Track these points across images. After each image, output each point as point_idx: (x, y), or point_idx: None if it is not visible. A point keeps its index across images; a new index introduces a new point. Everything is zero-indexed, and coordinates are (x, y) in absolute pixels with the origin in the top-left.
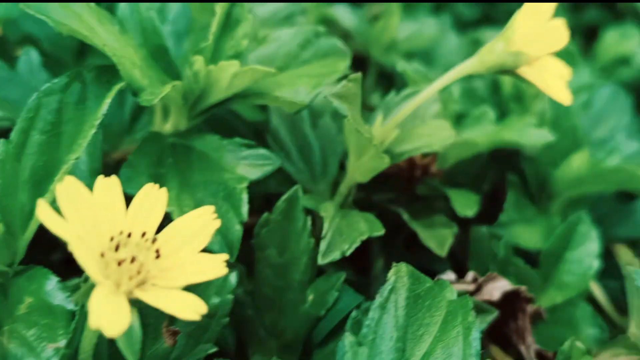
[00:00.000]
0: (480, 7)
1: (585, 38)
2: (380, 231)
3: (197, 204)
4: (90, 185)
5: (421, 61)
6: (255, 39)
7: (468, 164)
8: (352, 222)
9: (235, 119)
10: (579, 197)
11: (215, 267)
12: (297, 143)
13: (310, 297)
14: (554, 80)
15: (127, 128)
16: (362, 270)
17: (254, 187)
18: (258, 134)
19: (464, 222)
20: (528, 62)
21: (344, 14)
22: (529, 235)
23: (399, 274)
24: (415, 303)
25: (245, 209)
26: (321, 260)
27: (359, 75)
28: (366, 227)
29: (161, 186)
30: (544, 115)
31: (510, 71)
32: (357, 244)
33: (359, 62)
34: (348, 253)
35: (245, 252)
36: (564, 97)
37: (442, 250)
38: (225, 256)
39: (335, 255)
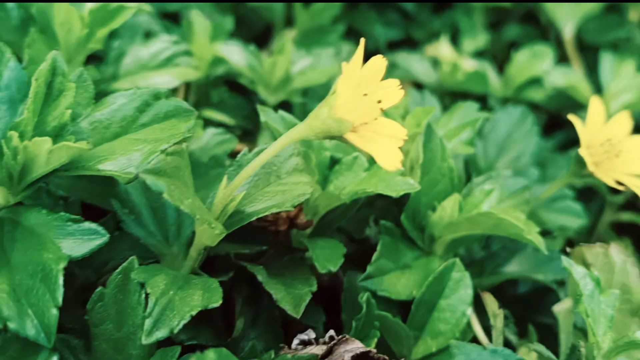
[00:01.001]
0: (403, 27)
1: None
2: (216, 302)
3: (15, 287)
4: None
5: (318, 99)
6: (90, 104)
7: (343, 211)
8: (188, 294)
9: (76, 186)
10: (463, 238)
11: None
12: (150, 204)
13: None
14: (382, 144)
15: None
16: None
17: (99, 255)
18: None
19: None
20: (353, 128)
21: (233, 53)
22: (404, 283)
23: None
24: None
25: (60, 292)
26: (144, 340)
27: (182, 146)
28: (201, 299)
29: None
30: (417, 159)
31: (338, 137)
32: (186, 320)
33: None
34: (177, 330)
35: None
36: (390, 163)
37: (296, 312)
38: None
39: (163, 334)
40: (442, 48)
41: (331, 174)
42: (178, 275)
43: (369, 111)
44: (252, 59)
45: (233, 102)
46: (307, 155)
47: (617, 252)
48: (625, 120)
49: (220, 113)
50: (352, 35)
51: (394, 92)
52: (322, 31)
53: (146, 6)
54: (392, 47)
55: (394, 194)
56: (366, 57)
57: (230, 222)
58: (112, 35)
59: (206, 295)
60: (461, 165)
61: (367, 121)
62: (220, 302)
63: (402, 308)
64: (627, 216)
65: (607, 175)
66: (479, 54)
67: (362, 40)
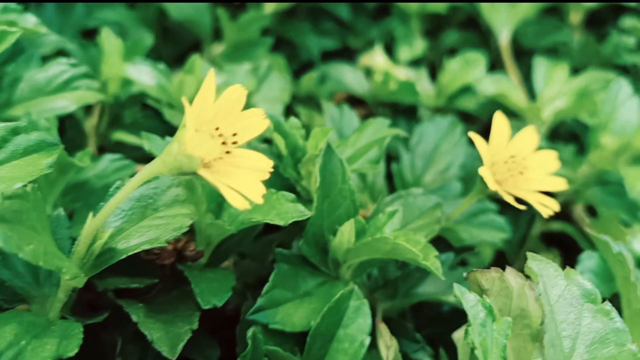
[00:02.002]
0: (339, 36)
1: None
2: (72, 351)
3: None
4: None
5: None
6: None
7: (241, 238)
8: (41, 343)
9: None
10: (371, 260)
11: None
12: None
13: None
14: (242, 179)
15: None
16: None
17: None
18: None
19: None
20: (206, 163)
21: (142, 72)
22: (302, 313)
23: None
24: None
25: None
26: None
27: (27, 188)
28: (55, 348)
29: None
30: (315, 182)
31: (191, 173)
32: None
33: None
34: None
35: None
36: (239, 202)
37: (173, 354)
38: None
39: None
40: (376, 57)
41: (225, 201)
42: (37, 322)
43: (217, 146)
44: (162, 79)
45: (147, 123)
46: (191, 185)
47: (513, 277)
48: (531, 136)
49: (131, 135)
50: (285, 47)
51: (256, 122)
52: (251, 44)
53: (42, 28)
54: (329, 56)
55: (283, 222)
56: (300, 69)
57: (98, 262)
58: (7, 59)
59: (63, 343)
60: (381, 181)
61: (221, 156)
62: (77, 350)
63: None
64: (557, 226)
65: (512, 192)
66: (415, 63)
67: (212, 71)
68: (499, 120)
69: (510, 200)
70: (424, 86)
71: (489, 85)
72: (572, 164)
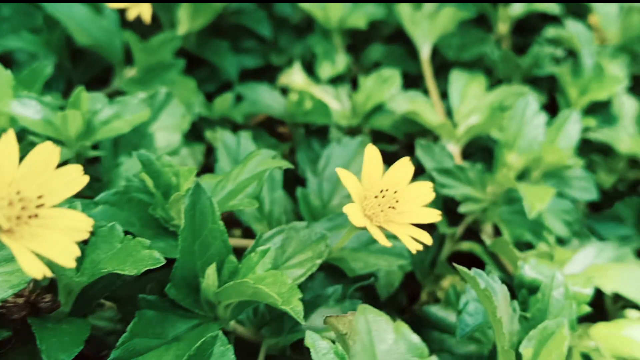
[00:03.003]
0: (261, 55)
1: None
2: None
3: None
4: None
5: (131, 148)
6: None
7: (106, 284)
8: None
9: None
10: (246, 300)
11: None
12: None
13: None
14: (51, 242)
15: None
16: None
17: None
18: None
19: None
20: (8, 228)
21: (26, 108)
22: None
23: None
24: None
25: None
26: None
27: None
28: None
29: None
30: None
31: None
32: None
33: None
34: None
35: None
36: (33, 269)
37: None
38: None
39: None
40: (294, 75)
41: (88, 247)
42: None
43: (14, 211)
44: (48, 113)
45: None
46: None
47: (363, 323)
48: (406, 168)
49: None
50: (204, 67)
51: (72, 180)
52: (163, 67)
53: None
54: (251, 76)
55: (136, 271)
56: (220, 89)
57: None
58: None
59: None
60: (279, 209)
61: (25, 220)
62: None
63: None
64: (466, 245)
65: (384, 226)
66: (337, 79)
67: (11, 131)
68: (370, 154)
69: (378, 236)
70: (344, 104)
71: (402, 102)
72: (481, 182)
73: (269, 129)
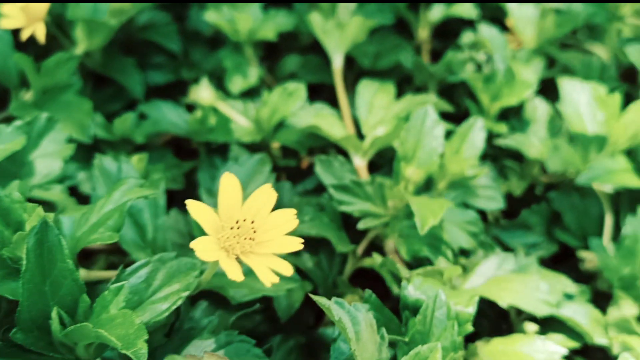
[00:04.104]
0: (173, 70)
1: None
2: None
3: None
4: None
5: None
6: None
7: None
8: None
9: None
10: None
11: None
12: None
13: None
14: None
15: None
16: None
17: None
18: None
19: None
20: None
21: None
22: None
23: None
24: None
25: None
26: None
27: None
28: None
29: None
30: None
31: None
32: None
33: None
34: None
35: None
36: None
37: None
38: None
39: None
40: (201, 91)
41: None
42: None
43: None
44: None
45: None
46: None
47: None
48: (267, 195)
49: None
50: (109, 86)
51: None
52: (59, 89)
53: None
54: (162, 92)
55: None
56: (125, 108)
57: None
58: None
59: None
60: (163, 236)
61: None
62: None
63: None
64: (368, 262)
65: (242, 258)
66: (250, 93)
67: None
68: (227, 182)
69: (230, 270)
70: (250, 119)
71: (304, 117)
72: (381, 197)
73: (176, 148)
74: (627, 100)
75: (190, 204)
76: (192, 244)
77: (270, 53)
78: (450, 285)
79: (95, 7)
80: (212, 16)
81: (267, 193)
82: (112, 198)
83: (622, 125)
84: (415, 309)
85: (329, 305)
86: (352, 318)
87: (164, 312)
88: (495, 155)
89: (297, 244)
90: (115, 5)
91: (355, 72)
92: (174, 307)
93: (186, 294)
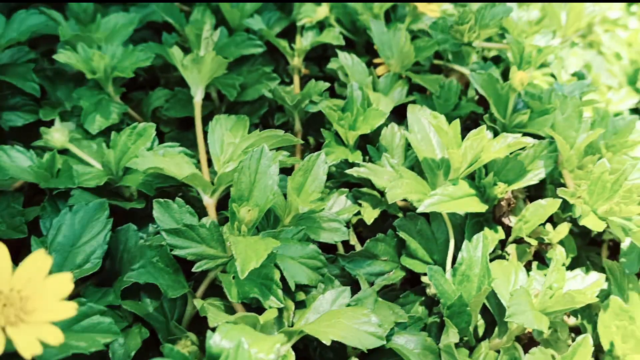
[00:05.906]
0: (33, 110)
1: None
2: None
3: None
4: None
5: None
6: None
7: None
8: None
9: None
10: None
11: None
12: None
13: None
14: None
15: None
16: None
17: None
18: None
19: None
20: None
21: None
22: None
23: None
24: None
25: None
26: None
27: None
28: None
29: None
30: None
31: None
32: None
33: None
34: None
35: None
36: None
37: None
38: None
39: None
40: (54, 133)
41: None
42: None
43: None
44: None
45: None
46: None
47: None
48: (41, 260)
49: None
50: None
51: None
52: None
53: None
54: (20, 134)
55: None
56: None
57: None
58: None
59: None
60: None
61: None
62: None
63: None
64: (199, 305)
65: (7, 330)
66: (110, 130)
67: None
68: None
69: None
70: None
71: (151, 157)
72: (218, 238)
73: (33, 192)
74: (476, 124)
75: None
76: None
77: (147, 84)
78: (275, 327)
79: None
80: (62, 57)
81: (40, 259)
82: None
83: (462, 152)
84: (218, 359)
85: None
86: None
87: None
88: (350, 184)
89: (71, 310)
90: None
91: (226, 103)
92: None
93: None
